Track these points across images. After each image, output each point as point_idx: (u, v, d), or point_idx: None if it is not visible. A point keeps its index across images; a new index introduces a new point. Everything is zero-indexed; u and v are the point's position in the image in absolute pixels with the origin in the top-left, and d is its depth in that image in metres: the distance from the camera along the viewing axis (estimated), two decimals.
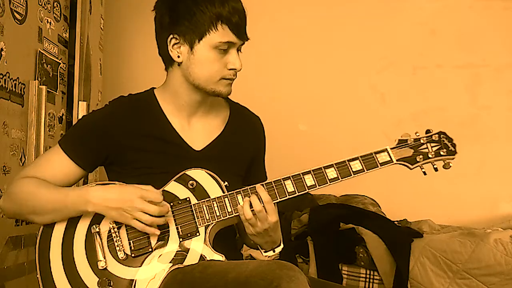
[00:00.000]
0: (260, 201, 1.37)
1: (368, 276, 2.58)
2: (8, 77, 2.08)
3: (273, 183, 1.40)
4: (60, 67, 2.60)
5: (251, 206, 1.37)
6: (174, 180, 1.43)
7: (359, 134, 3.44)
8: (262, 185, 1.40)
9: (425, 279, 2.54)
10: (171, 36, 1.43)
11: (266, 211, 1.37)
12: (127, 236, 1.38)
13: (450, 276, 2.52)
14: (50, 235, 1.40)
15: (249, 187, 1.40)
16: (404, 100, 3.59)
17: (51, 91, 2.48)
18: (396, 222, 2.96)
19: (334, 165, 1.41)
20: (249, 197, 1.39)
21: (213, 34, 1.39)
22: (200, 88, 1.45)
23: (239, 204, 1.39)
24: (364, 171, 1.41)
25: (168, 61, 1.48)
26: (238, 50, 1.46)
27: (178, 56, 1.44)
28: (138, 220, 1.35)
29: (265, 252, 1.46)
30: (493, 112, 3.54)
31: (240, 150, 1.57)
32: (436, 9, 3.61)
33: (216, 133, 1.54)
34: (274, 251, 1.46)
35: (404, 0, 3.67)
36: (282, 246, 1.47)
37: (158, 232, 1.37)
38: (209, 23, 1.39)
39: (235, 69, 1.44)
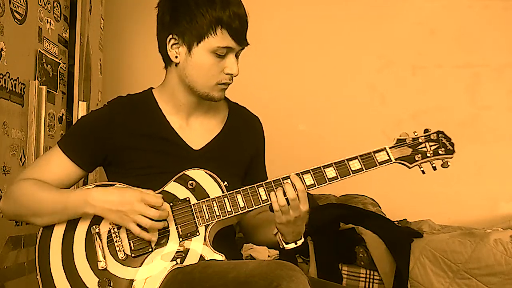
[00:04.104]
0: (294, 189, 1.36)
1: (368, 276, 2.58)
2: (8, 77, 2.08)
3: (272, 182, 1.40)
4: (60, 67, 2.60)
5: (284, 194, 1.36)
6: (174, 181, 1.43)
7: (359, 134, 3.44)
8: (297, 174, 1.39)
9: (425, 279, 2.54)
10: (171, 36, 1.43)
11: (299, 200, 1.37)
12: (127, 236, 1.38)
13: (450, 276, 2.52)
14: (50, 236, 1.40)
15: (249, 186, 1.40)
16: (403, 100, 3.60)
17: (51, 91, 2.48)
18: (396, 222, 2.96)
19: (333, 164, 1.41)
20: (250, 196, 1.39)
21: (212, 39, 1.39)
22: (194, 90, 1.46)
23: (238, 204, 1.39)
24: (363, 170, 1.41)
25: (167, 60, 1.49)
26: (237, 55, 1.45)
27: (176, 57, 1.44)
28: (137, 224, 1.34)
29: (286, 244, 1.45)
30: (493, 112, 3.55)
31: (239, 150, 1.57)
32: (435, 9, 3.61)
33: (214, 133, 1.54)
34: (296, 243, 1.45)
35: (403, 0, 3.68)
36: (303, 239, 1.46)
37: (154, 238, 1.37)
38: (208, 27, 1.38)
39: (232, 74, 1.44)
